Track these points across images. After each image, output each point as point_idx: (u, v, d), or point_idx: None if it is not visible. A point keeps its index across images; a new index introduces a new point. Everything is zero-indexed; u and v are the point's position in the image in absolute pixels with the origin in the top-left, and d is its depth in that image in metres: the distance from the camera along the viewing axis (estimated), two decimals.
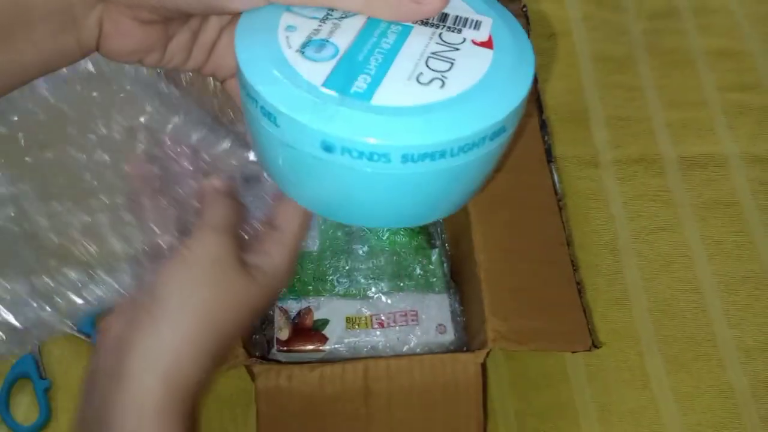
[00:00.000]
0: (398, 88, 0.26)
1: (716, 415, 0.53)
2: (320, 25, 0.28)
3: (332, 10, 0.29)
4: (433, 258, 0.52)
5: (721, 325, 0.57)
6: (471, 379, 0.42)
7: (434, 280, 0.52)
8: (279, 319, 0.49)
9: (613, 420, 0.53)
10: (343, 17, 0.28)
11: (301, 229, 0.35)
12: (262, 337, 0.49)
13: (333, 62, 0.26)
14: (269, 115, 0.26)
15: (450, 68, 0.27)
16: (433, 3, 0.28)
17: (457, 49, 0.28)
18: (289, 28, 0.27)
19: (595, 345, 0.43)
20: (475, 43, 0.28)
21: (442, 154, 0.25)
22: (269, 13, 0.28)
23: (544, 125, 0.51)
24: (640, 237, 0.60)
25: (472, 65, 0.27)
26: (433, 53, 0.27)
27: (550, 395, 0.54)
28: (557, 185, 0.50)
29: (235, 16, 0.30)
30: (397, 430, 0.43)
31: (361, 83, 0.26)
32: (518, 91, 0.27)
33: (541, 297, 0.44)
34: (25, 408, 0.53)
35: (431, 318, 0.50)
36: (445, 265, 0.52)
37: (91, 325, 0.55)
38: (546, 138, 0.51)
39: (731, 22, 0.70)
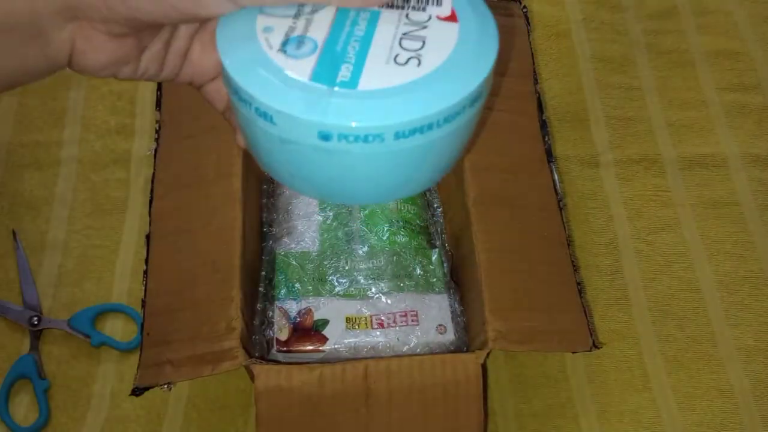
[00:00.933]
0: (380, 72, 0.27)
1: (717, 415, 0.53)
2: (294, 23, 0.29)
3: (303, 5, 0.29)
4: (433, 258, 0.52)
5: (722, 325, 0.57)
6: (471, 380, 0.42)
7: (434, 280, 0.52)
8: (279, 319, 0.49)
9: (613, 420, 0.53)
10: (314, 11, 0.29)
11: None
12: (261, 338, 0.49)
13: (315, 56, 0.28)
14: (265, 115, 0.27)
15: (422, 46, 0.28)
16: None
17: (425, 27, 0.29)
18: (266, 29, 0.28)
19: (596, 345, 0.43)
20: (440, 18, 0.29)
21: (430, 127, 0.27)
22: (244, 17, 0.29)
23: (544, 125, 0.51)
24: (640, 237, 0.60)
25: (441, 40, 0.28)
26: (404, 34, 0.29)
27: (550, 395, 0.54)
28: (557, 185, 0.50)
29: (205, 23, 0.30)
30: (397, 431, 0.43)
31: (345, 72, 0.27)
32: (488, 58, 0.29)
33: (541, 297, 0.44)
34: (24, 408, 0.53)
35: (431, 318, 0.50)
36: (445, 265, 0.52)
37: (91, 325, 0.55)
38: (546, 138, 0.50)
39: (731, 23, 0.70)
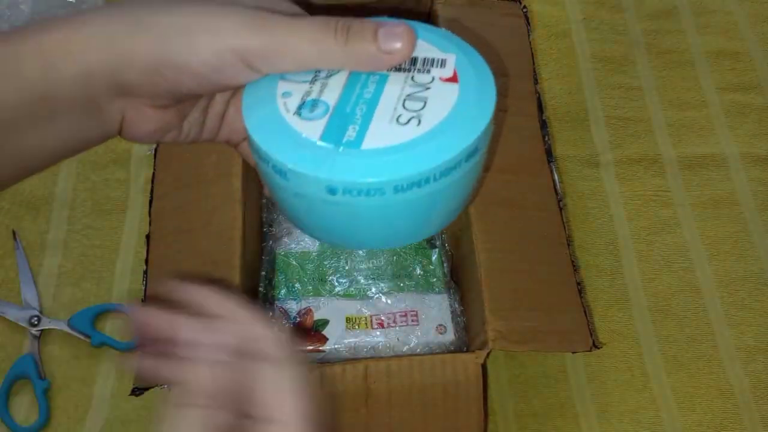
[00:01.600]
0: (383, 131, 0.30)
1: (716, 415, 0.53)
2: (311, 87, 0.32)
3: (319, 71, 0.33)
4: (433, 258, 0.52)
5: (722, 325, 0.57)
6: (471, 380, 0.42)
7: (434, 280, 0.52)
8: (279, 319, 0.49)
9: (613, 420, 0.53)
10: (328, 76, 0.32)
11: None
12: None
13: (325, 118, 0.31)
14: (280, 172, 0.30)
15: (423, 106, 0.31)
16: (402, 52, 0.31)
17: (428, 88, 0.32)
18: (285, 94, 0.32)
19: (596, 345, 0.43)
20: (442, 79, 0.32)
21: (427, 180, 0.30)
22: (266, 83, 0.32)
23: (544, 125, 0.51)
24: (640, 237, 0.60)
25: (442, 100, 0.31)
26: (408, 95, 0.31)
27: (550, 395, 0.54)
28: (557, 185, 0.50)
29: (238, 88, 0.33)
30: (397, 431, 0.43)
31: (351, 133, 0.30)
32: (483, 117, 0.31)
33: (541, 297, 0.44)
34: (24, 408, 0.53)
35: (431, 318, 0.50)
36: (445, 265, 0.52)
37: (91, 325, 0.55)
38: (546, 138, 0.50)
39: (731, 23, 0.70)
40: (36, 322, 0.55)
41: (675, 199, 0.61)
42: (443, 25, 0.53)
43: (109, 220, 0.60)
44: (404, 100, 0.31)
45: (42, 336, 0.55)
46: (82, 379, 0.54)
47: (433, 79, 0.32)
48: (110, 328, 0.56)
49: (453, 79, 0.32)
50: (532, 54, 0.54)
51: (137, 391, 0.42)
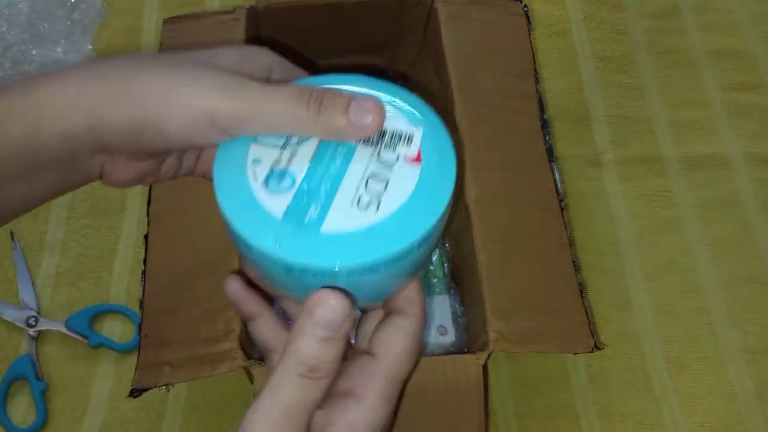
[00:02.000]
0: (342, 214, 0.31)
1: (719, 417, 0.53)
2: (281, 154, 0.32)
3: (291, 135, 0.33)
4: (434, 258, 0.52)
5: (724, 326, 0.56)
6: (472, 381, 0.41)
7: (435, 281, 0.51)
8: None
9: (615, 422, 0.53)
10: (299, 143, 0.33)
11: (404, 357, 0.33)
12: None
13: (290, 194, 0.31)
14: (243, 243, 0.31)
15: (384, 189, 0.32)
16: (371, 127, 0.32)
17: (392, 169, 0.32)
18: (255, 161, 0.32)
19: (597, 347, 0.42)
20: (406, 159, 0.32)
21: (380, 266, 0.31)
22: (239, 144, 0.33)
23: (545, 125, 0.50)
24: (642, 237, 0.60)
25: (402, 183, 0.32)
26: (371, 174, 0.32)
27: (551, 397, 0.54)
28: (559, 185, 0.49)
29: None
30: (396, 431, 0.43)
31: (312, 213, 0.31)
32: (438, 207, 0.32)
33: (542, 298, 0.44)
34: (22, 410, 0.53)
35: (432, 319, 0.50)
36: (445, 265, 0.52)
37: (89, 326, 0.55)
38: (547, 138, 0.50)
39: (732, 22, 0.70)
40: (33, 323, 0.55)
41: (677, 199, 0.61)
42: (444, 24, 0.52)
43: (107, 221, 0.60)
44: (367, 180, 0.32)
45: (39, 337, 0.55)
46: (80, 380, 0.54)
47: (398, 157, 0.32)
48: (108, 328, 0.56)
49: (417, 159, 0.32)
50: (533, 53, 0.54)
51: (135, 393, 0.42)
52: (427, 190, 0.32)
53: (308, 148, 0.32)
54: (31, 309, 0.56)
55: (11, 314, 0.55)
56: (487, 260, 0.44)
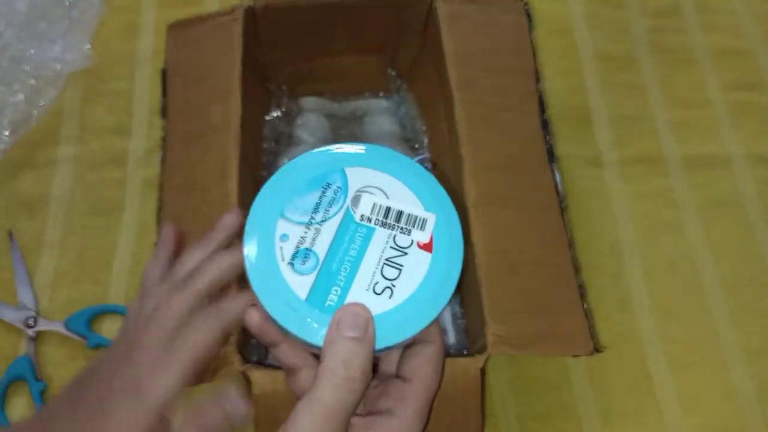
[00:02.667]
0: (359, 300, 0.33)
1: (721, 417, 0.53)
2: (306, 232, 0.35)
3: (315, 211, 0.35)
4: None
5: (726, 326, 0.56)
6: (471, 384, 0.41)
7: None
8: None
9: (616, 423, 0.53)
10: (323, 220, 0.35)
11: (433, 379, 0.35)
12: (258, 342, 0.48)
13: (314, 275, 0.34)
14: (271, 318, 0.34)
15: (398, 275, 0.34)
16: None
17: (406, 254, 0.35)
18: (283, 237, 0.34)
19: (597, 349, 0.42)
20: (419, 246, 0.35)
21: (389, 347, 0.34)
22: (268, 216, 0.35)
23: (545, 125, 0.50)
24: (644, 237, 0.59)
25: (414, 270, 0.34)
26: (387, 259, 0.34)
27: (552, 398, 0.53)
28: (559, 186, 0.49)
29: None
30: None
31: (333, 297, 0.33)
32: (446, 293, 0.34)
33: (542, 300, 0.43)
34: (20, 410, 0.53)
35: None
36: None
37: (88, 326, 0.55)
38: (548, 138, 0.50)
39: (735, 21, 0.69)
40: (32, 324, 0.55)
41: (679, 199, 0.61)
42: (444, 23, 0.52)
43: (106, 220, 0.60)
44: (383, 265, 0.34)
45: (38, 337, 0.55)
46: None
47: (411, 242, 0.35)
48: (107, 329, 0.56)
49: (428, 246, 0.35)
50: (534, 52, 0.54)
51: None
52: (436, 277, 0.34)
53: (331, 226, 0.35)
54: (30, 309, 0.56)
55: (10, 315, 0.55)
56: (485, 263, 0.43)
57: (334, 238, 0.34)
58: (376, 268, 0.34)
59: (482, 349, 0.41)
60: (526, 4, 0.55)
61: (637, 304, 0.57)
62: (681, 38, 0.69)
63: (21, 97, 0.64)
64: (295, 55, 0.59)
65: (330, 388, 0.31)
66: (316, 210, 0.35)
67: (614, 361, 0.55)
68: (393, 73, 0.62)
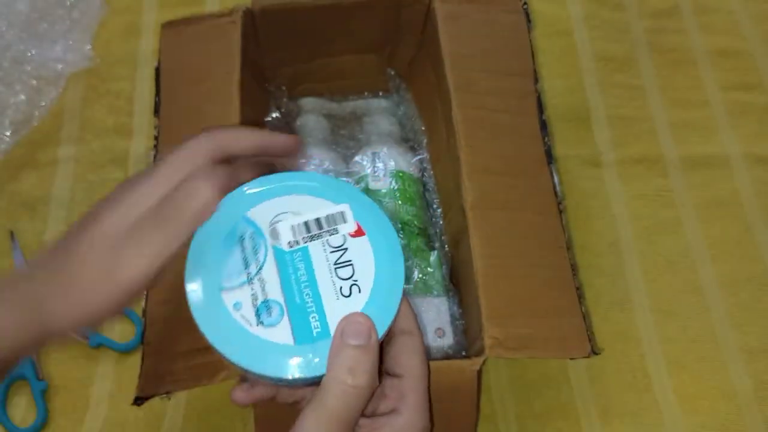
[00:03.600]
0: (337, 310, 0.33)
1: (719, 417, 0.53)
2: (252, 288, 0.33)
3: (246, 266, 0.33)
4: (432, 260, 0.52)
5: (724, 326, 0.56)
6: (467, 386, 0.41)
7: (433, 283, 0.51)
8: None
9: (615, 422, 0.53)
10: (258, 270, 0.34)
11: (423, 369, 0.35)
12: None
13: (286, 319, 0.33)
14: (281, 380, 0.32)
15: (353, 270, 0.34)
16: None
17: (346, 249, 0.34)
18: (236, 306, 0.33)
19: (595, 351, 0.42)
20: (351, 235, 0.35)
21: (385, 333, 0.33)
22: (210, 300, 0.33)
23: (544, 126, 0.50)
24: (643, 237, 0.59)
25: (363, 258, 0.34)
26: (335, 263, 0.34)
27: (551, 397, 0.54)
28: (557, 187, 0.49)
29: None
30: None
31: (315, 324, 0.33)
32: (400, 262, 0.34)
33: (539, 302, 0.43)
34: (22, 410, 0.53)
35: (430, 322, 0.50)
36: (444, 267, 0.52)
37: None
38: (546, 139, 0.50)
39: (733, 21, 0.70)
40: None
41: (677, 199, 0.61)
42: (442, 23, 0.52)
43: None
44: (335, 270, 0.34)
45: None
46: (80, 380, 0.54)
47: (344, 238, 0.35)
48: (108, 329, 0.56)
49: (359, 231, 0.35)
50: (533, 52, 0.54)
51: (139, 401, 0.42)
52: (383, 252, 0.34)
53: (270, 269, 0.34)
54: None
55: None
56: (483, 266, 0.43)
57: (280, 277, 0.34)
58: (332, 276, 0.34)
59: (479, 352, 0.41)
60: (525, 3, 0.55)
61: (636, 304, 0.57)
62: (680, 39, 0.69)
63: (22, 97, 0.65)
64: (294, 56, 0.59)
65: (337, 396, 0.31)
66: (246, 265, 0.34)
67: (613, 361, 0.55)
68: (392, 72, 0.61)
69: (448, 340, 0.49)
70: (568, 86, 0.66)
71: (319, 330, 0.33)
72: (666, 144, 0.63)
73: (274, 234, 0.34)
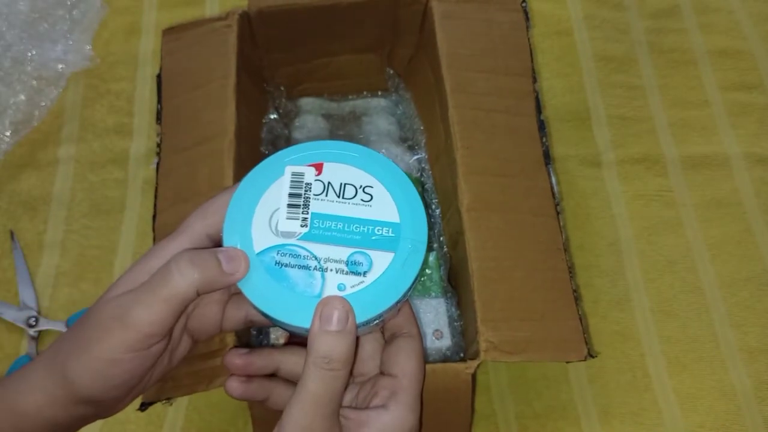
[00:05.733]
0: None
1: (719, 416, 0.53)
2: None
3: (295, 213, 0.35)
4: (430, 261, 0.52)
5: (724, 325, 0.56)
6: (461, 389, 0.41)
7: (431, 284, 0.51)
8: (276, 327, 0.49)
9: (615, 422, 0.53)
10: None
11: (419, 371, 0.37)
12: (258, 343, 0.49)
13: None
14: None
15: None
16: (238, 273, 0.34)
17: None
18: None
19: (591, 354, 0.42)
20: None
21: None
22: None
23: (542, 126, 0.49)
24: (642, 237, 0.59)
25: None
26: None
27: (551, 397, 0.54)
28: (555, 189, 0.49)
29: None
30: None
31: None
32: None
33: (535, 305, 0.43)
34: None
35: (428, 323, 0.49)
36: (442, 268, 0.52)
37: None
38: (544, 139, 0.49)
39: (733, 21, 0.69)
40: (34, 323, 0.55)
41: (677, 199, 0.61)
42: (439, 23, 0.52)
43: (107, 221, 0.60)
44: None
45: (40, 337, 0.55)
46: None
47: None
48: None
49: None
50: (531, 51, 0.53)
51: (143, 406, 0.42)
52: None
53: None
54: (31, 309, 0.56)
55: (11, 314, 0.56)
56: (479, 269, 0.43)
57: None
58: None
59: (475, 355, 0.41)
60: (524, 2, 0.55)
61: (635, 304, 0.57)
62: (679, 39, 0.69)
63: (22, 97, 0.65)
64: (292, 56, 0.59)
65: (316, 380, 0.33)
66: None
67: (613, 360, 0.55)
68: (391, 72, 0.61)
69: (446, 342, 0.49)
70: (568, 86, 0.66)
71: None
72: (666, 144, 0.63)
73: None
